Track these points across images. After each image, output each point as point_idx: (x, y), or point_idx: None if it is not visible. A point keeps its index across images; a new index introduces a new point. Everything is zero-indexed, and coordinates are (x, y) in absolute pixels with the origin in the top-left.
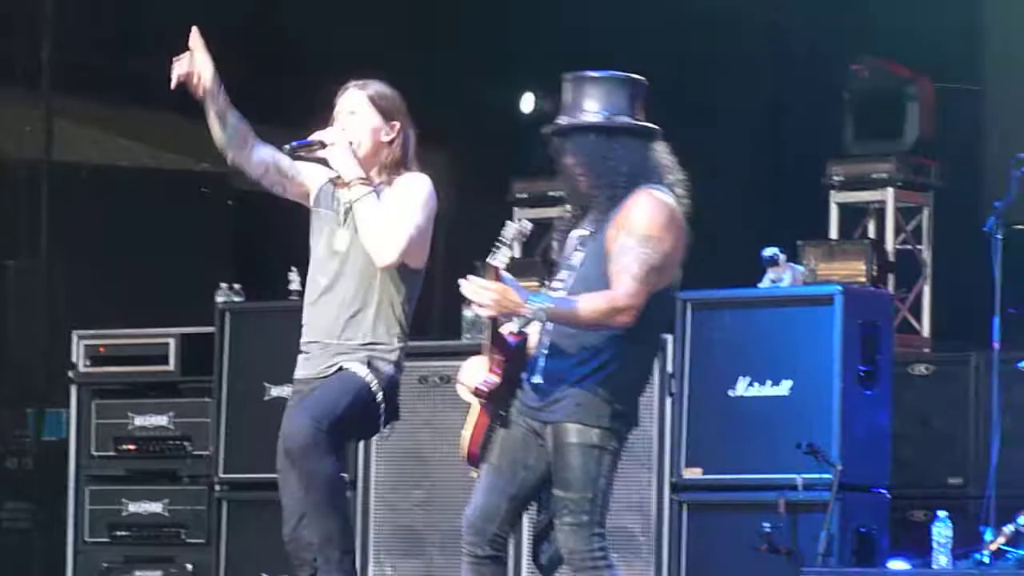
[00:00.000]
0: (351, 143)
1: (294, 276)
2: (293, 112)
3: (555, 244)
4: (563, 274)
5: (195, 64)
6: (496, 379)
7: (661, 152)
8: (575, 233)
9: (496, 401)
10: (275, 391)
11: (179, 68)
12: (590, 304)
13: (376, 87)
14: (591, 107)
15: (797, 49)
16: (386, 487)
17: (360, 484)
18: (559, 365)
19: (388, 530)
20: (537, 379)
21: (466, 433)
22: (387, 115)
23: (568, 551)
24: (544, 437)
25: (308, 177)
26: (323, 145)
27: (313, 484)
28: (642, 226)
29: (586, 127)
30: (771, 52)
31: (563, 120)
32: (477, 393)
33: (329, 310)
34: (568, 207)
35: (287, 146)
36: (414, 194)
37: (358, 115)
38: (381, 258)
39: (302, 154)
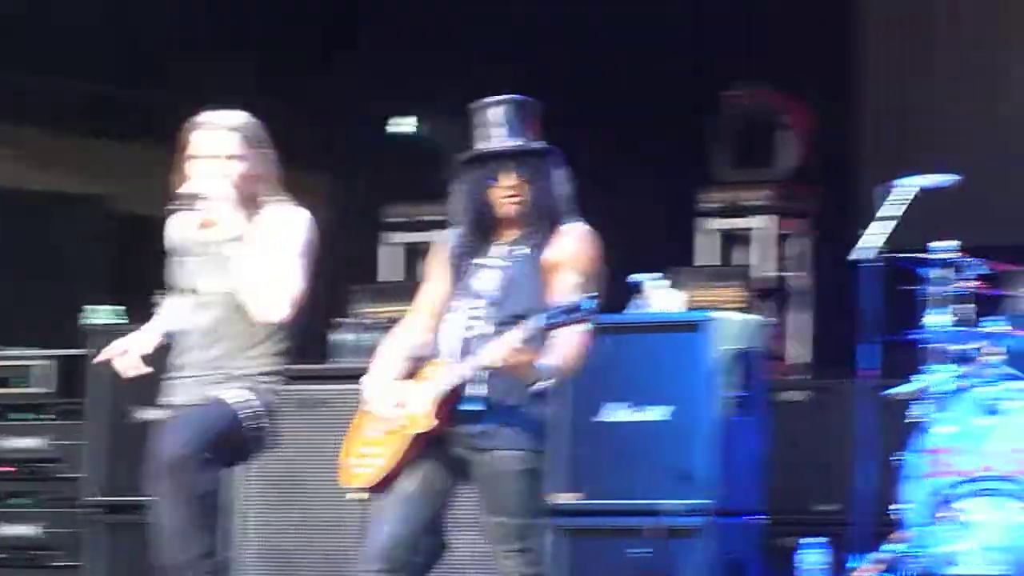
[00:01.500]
0: (226, 196)
1: (161, 299)
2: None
3: (451, 268)
4: (477, 302)
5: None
6: (441, 423)
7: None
8: (477, 259)
9: (431, 440)
10: (145, 413)
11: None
12: (570, 349)
13: (241, 120)
14: (525, 131)
15: (672, 76)
16: (261, 509)
17: (235, 506)
18: (495, 393)
19: (263, 552)
20: (472, 407)
21: (382, 463)
22: (255, 148)
23: (520, 574)
24: (475, 463)
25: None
26: (203, 199)
27: (186, 503)
28: (588, 265)
29: (537, 151)
30: (646, 78)
31: (509, 142)
32: (419, 437)
33: (204, 341)
34: (462, 232)
35: (175, 206)
36: (296, 237)
37: (233, 158)
38: (271, 316)
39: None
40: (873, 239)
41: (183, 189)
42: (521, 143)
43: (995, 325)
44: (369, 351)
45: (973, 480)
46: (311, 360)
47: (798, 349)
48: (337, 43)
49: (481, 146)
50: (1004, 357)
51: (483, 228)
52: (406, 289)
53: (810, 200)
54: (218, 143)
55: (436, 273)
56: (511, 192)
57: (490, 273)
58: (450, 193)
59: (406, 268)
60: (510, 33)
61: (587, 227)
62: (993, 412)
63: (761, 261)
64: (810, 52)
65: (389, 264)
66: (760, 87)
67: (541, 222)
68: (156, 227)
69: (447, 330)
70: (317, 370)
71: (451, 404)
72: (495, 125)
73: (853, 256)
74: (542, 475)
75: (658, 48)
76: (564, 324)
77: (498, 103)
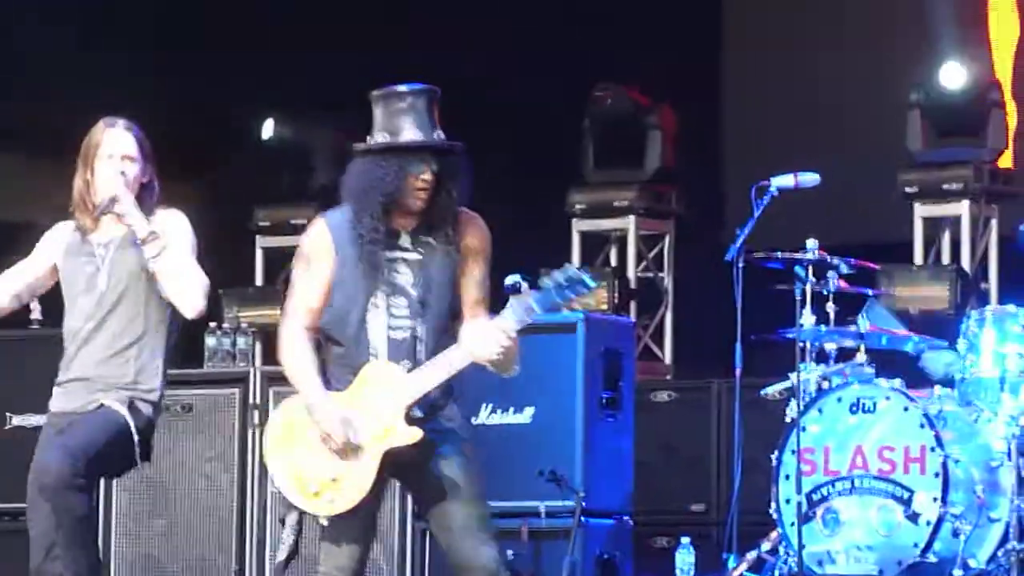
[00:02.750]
0: (129, 196)
1: (35, 306)
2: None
3: (366, 263)
4: (399, 300)
5: None
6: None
7: None
8: (388, 251)
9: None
10: (16, 420)
11: None
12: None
13: (134, 127)
14: (435, 122)
15: (538, 76)
16: (128, 516)
17: (101, 514)
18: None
19: (130, 559)
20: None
21: (356, 486)
22: (146, 155)
23: (495, 564)
24: (430, 461)
25: (47, 257)
26: (114, 201)
27: (65, 519)
28: (490, 252)
29: (461, 150)
30: (512, 80)
31: (424, 135)
32: (390, 451)
33: (94, 350)
34: (376, 227)
35: (96, 211)
36: (186, 237)
37: (134, 160)
38: (192, 308)
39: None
40: (742, 239)
41: (87, 191)
42: (443, 139)
43: (862, 324)
44: (241, 356)
45: (843, 479)
46: (178, 365)
47: (666, 350)
48: (192, 44)
49: (406, 137)
50: (871, 356)
51: (386, 217)
52: (276, 294)
53: (675, 200)
54: (119, 144)
55: (317, 265)
56: (426, 186)
57: (405, 266)
58: (348, 176)
59: (273, 272)
60: (375, 30)
61: (478, 215)
62: (862, 411)
63: (627, 262)
64: (675, 53)
65: (260, 268)
66: (626, 87)
67: (441, 216)
68: (38, 236)
69: (375, 330)
70: (188, 375)
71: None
72: (407, 114)
73: (726, 257)
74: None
75: (527, 47)
76: (569, 304)
77: (413, 92)
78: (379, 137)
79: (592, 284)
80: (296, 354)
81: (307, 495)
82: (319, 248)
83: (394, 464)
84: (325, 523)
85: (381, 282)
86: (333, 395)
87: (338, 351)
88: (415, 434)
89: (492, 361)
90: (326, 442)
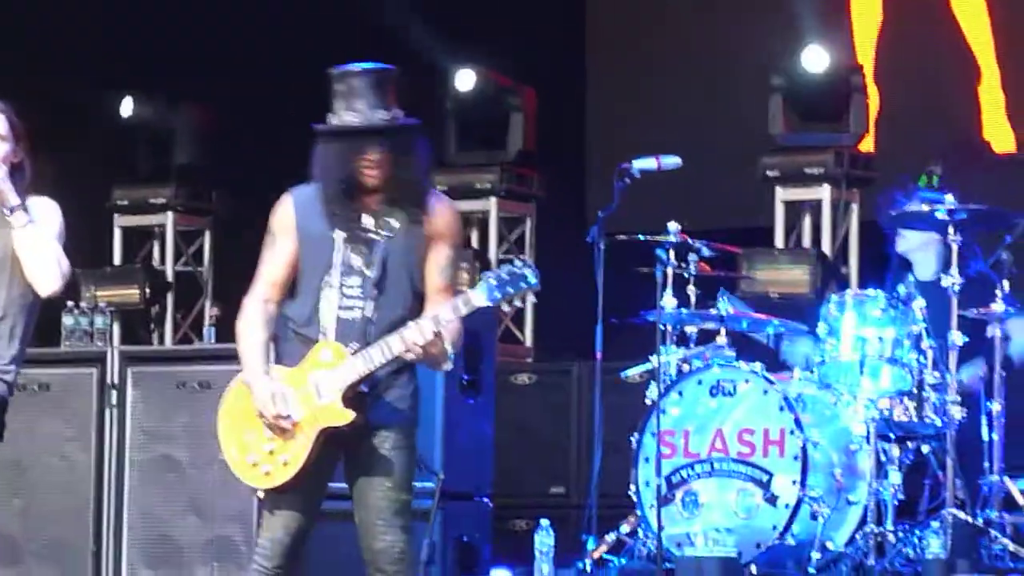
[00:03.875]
0: (2, 167)
1: None
2: None
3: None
4: (352, 280)
5: None
6: (357, 416)
7: None
8: (347, 230)
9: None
10: None
11: None
12: (457, 330)
13: (6, 107)
14: (387, 101)
15: (399, 55)
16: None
17: None
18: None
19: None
20: (362, 388)
21: (290, 461)
22: (17, 135)
23: (399, 550)
24: (363, 442)
25: None
26: None
27: None
28: (459, 237)
29: (404, 126)
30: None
31: (375, 114)
32: (326, 430)
33: None
34: (332, 208)
35: None
36: (54, 221)
37: (5, 140)
38: (47, 287)
39: None
40: (602, 220)
41: None
42: (389, 117)
43: (723, 307)
44: (99, 335)
45: (703, 461)
46: (35, 344)
47: (526, 332)
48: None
49: (349, 117)
50: (729, 339)
51: (348, 197)
52: (134, 273)
53: (537, 183)
54: None
55: (281, 239)
56: (376, 165)
57: (364, 246)
58: (311, 158)
59: (131, 252)
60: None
61: (450, 200)
62: (722, 393)
63: (488, 243)
64: (538, 34)
65: (118, 247)
66: (488, 69)
67: (405, 194)
68: None
69: (326, 309)
70: (45, 354)
71: (353, 391)
72: (359, 94)
73: (588, 238)
74: (415, 451)
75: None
76: (510, 299)
77: (361, 72)
78: (329, 119)
79: (534, 280)
80: (244, 327)
81: (245, 466)
82: (282, 223)
83: (333, 442)
84: (260, 495)
85: (336, 262)
86: (278, 371)
87: (297, 329)
88: (347, 415)
89: (414, 356)
90: (261, 417)
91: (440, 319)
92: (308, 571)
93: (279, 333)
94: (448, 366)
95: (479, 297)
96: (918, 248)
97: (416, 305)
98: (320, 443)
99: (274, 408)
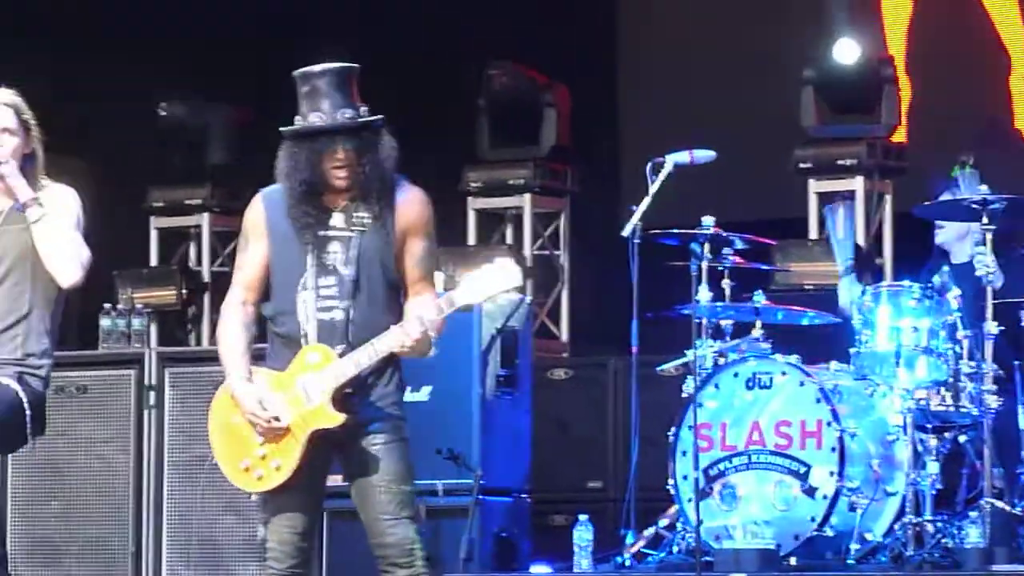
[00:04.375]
0: (13, 162)
1: None
2: None
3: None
4: (328, 280)
5: None
6: (348, 417)
7: None
8: (319, 230)
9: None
10: None
11: None
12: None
13: (15, 98)
14: (352, 99)
15: (434, 52)
16: (23, 499)
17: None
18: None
19: (26, 542)
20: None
21: (282, 465)
22: (27, 127)
23: (409, 542)
24: (358, 438)
25: None
26: None
27: None
28: (430, 226)
29: (367, 124)
30: (406, 55)
31: (339, 113)
32: (317, 432)
33: None
34: (302, 209)
35: None
36: (72, 210)
37: (14, 134)
38: (68, 278)
39: None
40: (639, 216)
41: None
42: (351, 116)
43: (759, 300)
44: (136, 337)
45: (740, 454)
46: (73, 347)
47: (562, 327)
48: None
49: (314, 118)
50: (765, 331)
51: (315, 197)
52: (171, 274)
53: (571, 179)
54: (3, 117)
55: (254, 241)
56: (342, 164)
57: (337, 245)
58: (278, 159)
59: (167, 253)
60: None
61: (420, 190)
62: (759, 386)
63: (523, 239)
64: (571, 31)
65: (155, 249)
66: (522, 65)
67: (371, 190)
68: None
69: (303, 311)
70: (83, 356)
71: (341, 392)
72: (323, 95)
73: (623, 233)
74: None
75: (420, 25)
76: (492, 296)
77: (324, 72)
78: (296, 121)
79: (517, 278)
80: (224, 332)
81: (237, 471)
82: (254, 224)
83: (326, 443)
84: (254, 499)
85: (310, 263)
86: (265, 375)
87: (278, 331)
88: (337, 418)
89: (410, 348)
90: (251, 422)
91: (425, 319)
92: (330, 570)
93: (268, 334)
94: (432, 352)
95: (462, 296)
96: (956, 239)
97: (394, 298)
98: (312, 445)
99: (263, 415)
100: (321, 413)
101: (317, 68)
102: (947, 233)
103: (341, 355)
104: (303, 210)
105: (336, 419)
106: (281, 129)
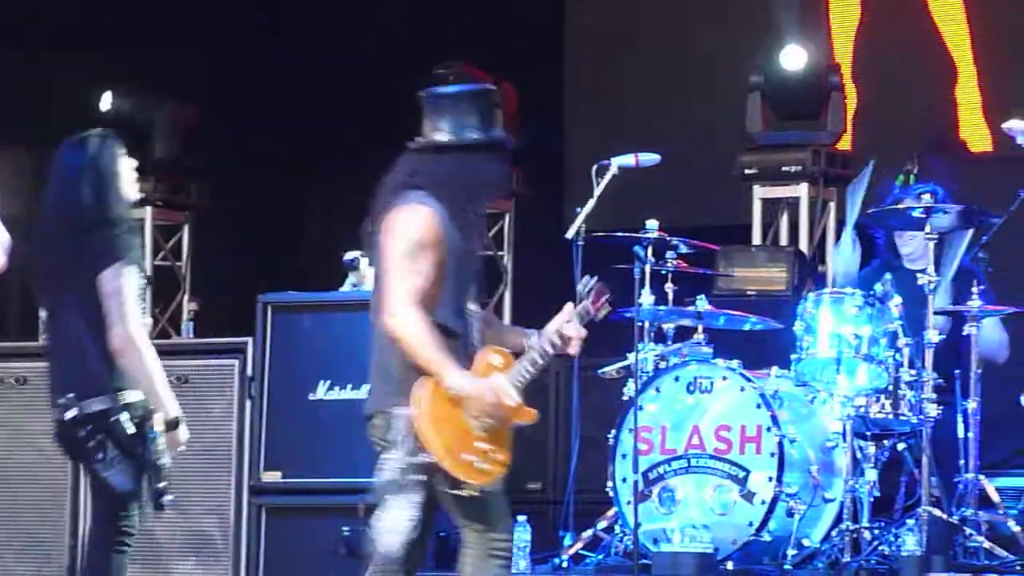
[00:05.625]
0: None
1: None
2: None
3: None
4: (472, 287)
5: None
6: None
7: None
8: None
9: None
10: None
11: None
12: None
13: None
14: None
15: (378, 53)
16: None
17: None
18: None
19: None
20: None
21: (503, 459)
22: None
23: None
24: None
25: None
26: None
27: None
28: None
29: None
30: (355, 56)
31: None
32: None
33: None
34: (479, 221)
35: None
36: None
37: None
38: None
39: None
40: (583, 218)
41: None
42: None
43: (701, 304)
44: None
45: (679, 458)
46: (17, 337)
47: None
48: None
49: (499, 132)
50: (707, 336)
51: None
52: None
53: (517, 180)
54: None
55: (432, 251)
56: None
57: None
58: (454, 168)
59: None
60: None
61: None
62: (700, 390)
63: None
64: (517, 30)
65: None
66: (467, 65)
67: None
68: None
69: (468, 316)
70: (24, 348)
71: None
72: (494, 112)
73: (567, 235)
74: None
75: (367, 26)
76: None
77: (493, 91)
78: (472, 133)
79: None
80: (424, 337)
81: (459, 463)
82: (431, 236)
83: None
84: (474, 493)
85: (476, 272)
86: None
87: (450, 342)
88: (533, 414)
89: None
90: (488, 414)
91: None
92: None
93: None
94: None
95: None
96: (918, 246)
97: None
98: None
99: (512, 400)
100: (520, 410)
101: (487, 86)
102: (914, 242)
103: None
104: (477, 220)
105: (533, 416)
106: (479, 139)
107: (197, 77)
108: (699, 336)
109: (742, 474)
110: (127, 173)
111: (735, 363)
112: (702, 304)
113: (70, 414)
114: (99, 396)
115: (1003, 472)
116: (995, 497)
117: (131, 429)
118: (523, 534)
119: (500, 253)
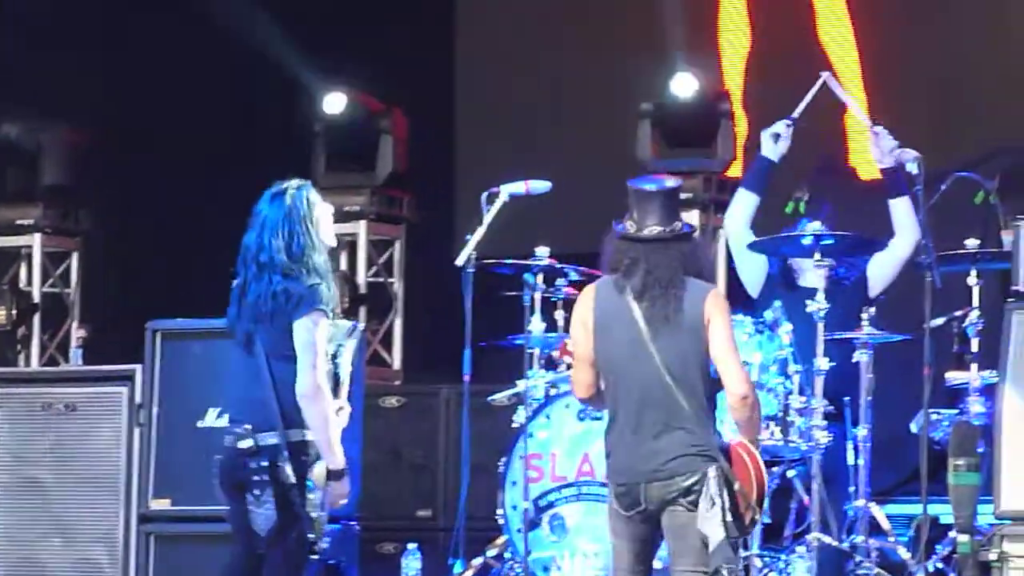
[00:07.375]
0: None
1: None
2: None
3: None
4: None
5: None
6: None
7: None
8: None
9: None
10: None
11: None
12: None
13: None
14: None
15: (269, 78)
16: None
17: None
18: None
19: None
20: None
21: None
22: None
23: None
24: None
25: None
26: None
27: None
28: None
29: None
30: (241, 82)
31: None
32: None
33: None
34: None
35: None
36: None
37: None
38: None
39: None
40: (474, 245)
41: None
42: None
43: None
44: None
45: (570, 485)
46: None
47: (395, 355)
48: None
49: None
50: None
51: None
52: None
53: (407, 206)
54: None
55: None
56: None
57: None
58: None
59: None
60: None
61: None
62: (590, 418)
63: (358, 267)
64: (407, 58)
65: None
66: (358, 92)
67: None
68: None
69: None
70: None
71: None
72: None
73: (458, 262)
74: None
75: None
76: None
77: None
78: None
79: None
80: None
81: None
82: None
83: None
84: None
85: None
86: None
87: None
88: None
89: None
90: None
91: None
92: None
93: None
94: None
95: None
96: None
97: None
98: None
99: None
100: None
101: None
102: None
103: None
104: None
105: None
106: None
107: (86, 101)
108: None
109: None
110: (325, 220)
111: None
112: None
113: (245, 444)
114: (273, 431)
115: (892, 499)
116: (885, 524)
117: (292, 479)
118: (413, 562)
119: (390, 280)
